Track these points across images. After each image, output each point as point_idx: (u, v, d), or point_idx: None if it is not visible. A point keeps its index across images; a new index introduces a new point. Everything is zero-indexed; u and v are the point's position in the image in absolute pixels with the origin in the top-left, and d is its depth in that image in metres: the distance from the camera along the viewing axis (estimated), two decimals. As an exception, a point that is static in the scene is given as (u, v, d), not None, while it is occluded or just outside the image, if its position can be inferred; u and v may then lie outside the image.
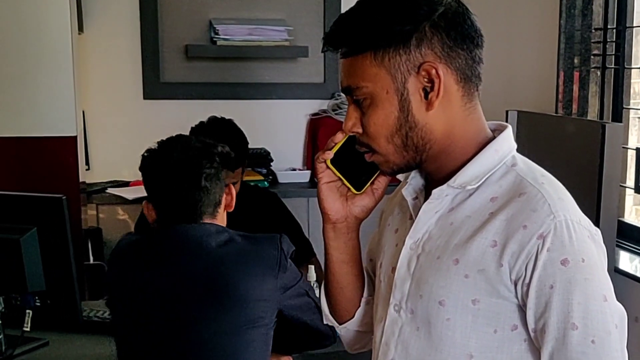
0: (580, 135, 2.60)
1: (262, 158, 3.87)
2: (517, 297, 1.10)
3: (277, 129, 4.12)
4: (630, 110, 2.95)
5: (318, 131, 4.01)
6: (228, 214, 1.97)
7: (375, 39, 1.11)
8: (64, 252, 2.12)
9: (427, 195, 1.20)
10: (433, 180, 1.20)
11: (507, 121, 2.94)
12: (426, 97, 1.12)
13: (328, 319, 1.40)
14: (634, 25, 2.89)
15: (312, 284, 2.34)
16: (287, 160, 4.09)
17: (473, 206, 1.14)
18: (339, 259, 1.30)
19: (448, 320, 1.13)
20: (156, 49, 3.94)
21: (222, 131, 2.61)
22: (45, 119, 3.12)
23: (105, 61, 3.93)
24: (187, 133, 2.64)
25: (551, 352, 1.08)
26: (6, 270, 2.10)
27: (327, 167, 1.23)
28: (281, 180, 3.92)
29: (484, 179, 1.15)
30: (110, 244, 3.62)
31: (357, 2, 1.16)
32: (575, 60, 2.96)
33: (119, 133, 3.96)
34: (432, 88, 1.11)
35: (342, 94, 3.25)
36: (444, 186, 1.16)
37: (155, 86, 3.97)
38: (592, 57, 2.92)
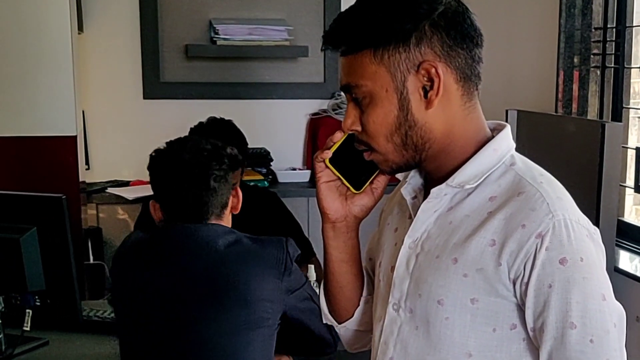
0: (580, 134, 2.60)
1: (262, 158, 3.87)
2: (515, 296, 1.10)
3: (277, 128, 4.12)
4: (630, 110, 2.95)
5: (318, 131, 4.01)
6: (228, 214, 1.98)
7: (375, 37, 1.11)
8: (63, 252, 2.12)
9: (426, 194, 1.20)
10: (432, 179, 1.20)
11: (507, 120, 2.95)
12: (425, 95, 1.12)
13: (327, 318, 1.40)
14: (634, 24, 2.89)
15: (312, 284, 2.34)
16: (287, 160, 4.09)
17: (472, 205, 1.14)
18: (338, 258, 1.30)
19: (447, 319, 1.13)
20: (156, 49, 3.95)
21: (221, 132, 2.61)
22: (45, 118, 3.12)
23: (105, 61, 3.93)
24: (187, 133, 2.64)
25: (550, 351, 1.08)
26: (6, 270, 2.10)
27: (326, 166, 1.23)
28: (281, 179, 3.93)
29: (483, 178, 1.15)
30: (110, 243, 3.63)
31: (357, 1, 1.16)
32: (575, 60, 2.96)
33: (119, 133, 3.97)
34: (431, 87, 1.11)
35: (342, 93, 3.25)
36: (443, 185, 1.16)
37: (155, 86, 3.97)
38: (591, 56, 2.92)
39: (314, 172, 1.27)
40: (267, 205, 2.82)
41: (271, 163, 3.91)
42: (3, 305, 2.17)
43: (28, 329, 2.12)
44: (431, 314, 1.14)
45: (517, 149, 1.20)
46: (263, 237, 1.89)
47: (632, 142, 2.92)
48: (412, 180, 1.24)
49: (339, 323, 1.38)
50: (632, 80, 2.95)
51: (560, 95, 3.02)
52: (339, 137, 1.22)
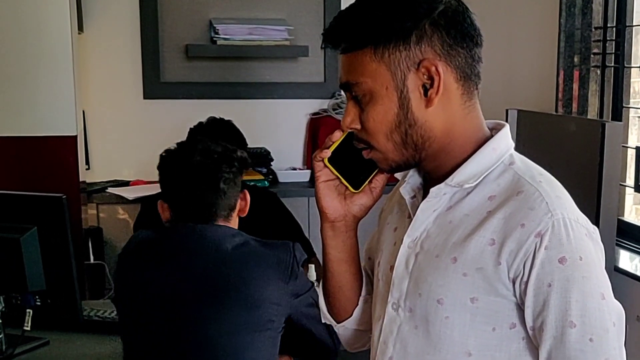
0: (580, 134, 2.60)
1: (263, 157, 3.87)
2: (515, 296, 1.10)
3: (278, 128, 4.12)
4: (630, 109, 2.95)
5: (318, 130, 4.01)
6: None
7: (376, 35, 1.12)
8: (64, 252, 2.12)
9: (425, 193, 1.20)
10: (431, 178, 1.20)
11: (507, 120, 2.95)
12: (426, 94, 1.12)
13: (326, 317, 1.40)
14: (634, 24, 2.89)
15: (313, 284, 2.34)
16: (288, 160, 4.09)
17: (471, 205, 1.14)
18: (337, 257, 1.30)
19: (446, 318, 1.13)
20: (156, 49, 3.95)
21: (221, 132, 2.61)
22: (45, 118, 3.12)
23: (105, 61, 3.93)
24: (187, 133, 2.65)
25: (549, 350, 1.08)
26: (6, 270, 2.10)
27: (325, 165, 1.23)
28: (281, 179, 3.93)
29: (482, 177, 1.15)
30: (110, 243, 3.63)
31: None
32: (575, 59, 2.96)
33: (119, 133, 3.97)
34: (431, 85, 1.12)
35: (342, 93, 3.25)
36: (442, 185, 1.16)
37: (156, 86, 3.98)
38: (592, 55, 2.92)
39: (313, 171, 1.27)
40: (267, 206, 2.82)
41: (271, 163, 3.91)
42: (3, 305, 2.17)
43: (28, 328, 2.12)
44: (431, 313, 1.14)
45: (517, 149, 1.20)
46: (270, 241, 1.91)
47: (632, 142, 2.92)
48: (411, 180, 1.24)
49: (338, 322, 1.38)
50: (632, 80, 2.95)
51: (560, 95, 3.02)
52: (337, 137, 1.22)
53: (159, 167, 1.94)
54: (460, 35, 1.12)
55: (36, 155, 3.12)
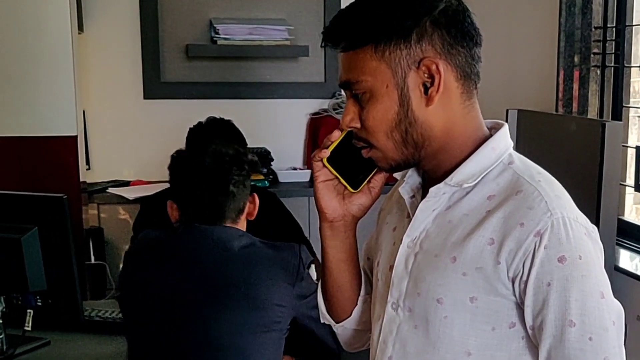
0: (580, 133, 2.60)
1: (263, 157, 3.87)
2: (514, 295, 1.10)
3: (278, 128, 4.12)
4: (630, 109, 2.95)
5: (319, 130, 4.01)
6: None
7: (377, 33, 1.12)
8: (65, 252, 2.12)
9: (424, 193, 1.20)
10: (430, 178, 1.21)
11: (507, 120, 2.95)
12: (426, 92, 1.12)
13: (325, 317, 1.40)
14: (634, 23, 2.89)
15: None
16: (288, 160, 4.09)
17: (470, 204, 1.15)
18: (336, 257, 1.30)
19: (446, 318, 1.13)
20: (156, 49, 3.95)
21: (220, 132, 2.61)
22: (46, 118, 3.12)
23: (105, 61, 3.93)
24: (186, 133, 2.65)
25: (549, 349, 1.08)
26: (7, 270, 2.10)
27: (324, 165, 1.23)
28: (282, 179, 3.93)
29: (481, 177, 1.15)
30: (111, 243, 3.63)
31: None
32: (575, 59, 2.96)
33: (119, 133, 3.97)
34: (432, 83, 1.12)
35: (342, 92, 3.24)
36: (441, 184, 1.16)
37: (156, 86, 3.98)
38: (592, 55, 2.92)
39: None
40: (266, 206, 2.81)
41: (272, 163, 3.91)
42: (4, 305, 2.17)
43: (29, 329, 2.12)
44: (430, 313, 1.15)
45: (517, 149, 1.20)
46: (277, 242, 1.92)
47: (632, 141, 2.92)
48: (410, 179, 1.24)
49: (337, 322, 1.38)
50: (632, 79, 2.94)
51: (560, 95, 3.02)
52: (336, 136, 1.22)
53: (169, 168, 1.95)
54: (461, 34, 1.13)
55: (36, 155, 3.12)
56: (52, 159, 3.12)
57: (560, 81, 3.00)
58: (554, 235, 1.07)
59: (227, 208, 1.89)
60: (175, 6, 3.96)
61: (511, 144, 1.19)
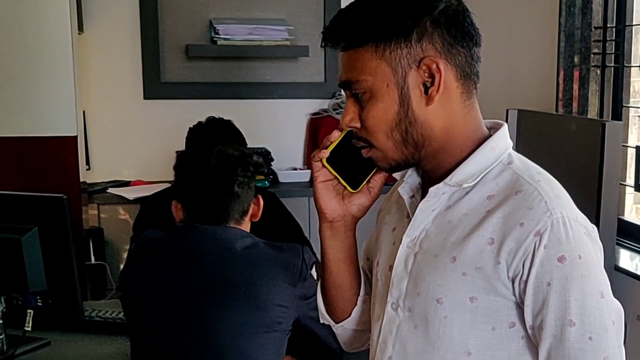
0: (581, 133, 2.60)
1: (263, 157, 3.86)
2: (514, 295, 1.10)
3: (278, 128, 4.12)
4: (630, 109, 2.95)
5: (319, 131, 4.01)
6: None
7: (377, 32, 1.12)
8: (65, 252, 2.12)
9: (423, 193, 1.20)
10: (430, 178, 1.21)
11: (507, 120, 2.95)
12: (426, 92, 1.13)
13: (324, 317, 1.40)
14: (634, 23, 2.89)
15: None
16: (288, 160, 4.09)
17: (470, 204, 1.15)
18: (335, 257, 1.30)
19: (446, 318, 1.13)
20: (156, 49, 3.95)
21: (220, 132, 2.61)
22: (46, 118, 3.12)
23: (105, 61, 3.93)
24: (186, 133, 2.65)
25: (549, 348, 1.08)
26: (7, 270, 2.10)
27: (323, 165, 1.23)
28: (282, 179, 3.93)
29: (481, 176, 1.15)
30: (111, 243, 3.63)
31: None
32: (575, 59, 2.96)
33: (119, 133, 3.97)
34: (432, 83, 1.12)
35: (342, 92, 3.25)
36: (441, 184, 1.16)
37: (156, 86, 3.98)
38: (592, 55, 2.92)
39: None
40: (267, 206, 2.81)
41: (272, 163, 3.91)
42: (4, 305, 2.17)
43: (29, 329, 2.12)
44: (430, 313, 1.15)
45: (517, 149, 1.20)
46: (280, 244, 1.92)
47: (632, 141, 2.92)
48: (409, 179, 1.24)
49: (337, 323, 1.38)
50: (632, 79, 2.95)
51: (560, 95, 3.02)
52: (336, 136, 1.22)
53: (175, 167, 1.96)
54: (461, 34, 1.13)
55: (36, 155, 3.12)
56: (52, 159, 3.12)
57: (560, 81, 3.00)
58: (554, 235, 1.07)
59: (231, 209, 1.89)
60: (175, 6, 3.96)
61: (511, 143, 1.19)
